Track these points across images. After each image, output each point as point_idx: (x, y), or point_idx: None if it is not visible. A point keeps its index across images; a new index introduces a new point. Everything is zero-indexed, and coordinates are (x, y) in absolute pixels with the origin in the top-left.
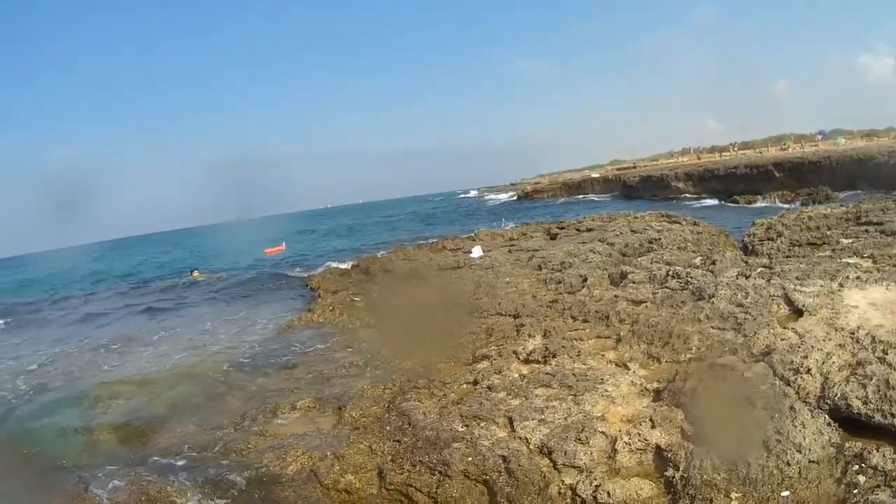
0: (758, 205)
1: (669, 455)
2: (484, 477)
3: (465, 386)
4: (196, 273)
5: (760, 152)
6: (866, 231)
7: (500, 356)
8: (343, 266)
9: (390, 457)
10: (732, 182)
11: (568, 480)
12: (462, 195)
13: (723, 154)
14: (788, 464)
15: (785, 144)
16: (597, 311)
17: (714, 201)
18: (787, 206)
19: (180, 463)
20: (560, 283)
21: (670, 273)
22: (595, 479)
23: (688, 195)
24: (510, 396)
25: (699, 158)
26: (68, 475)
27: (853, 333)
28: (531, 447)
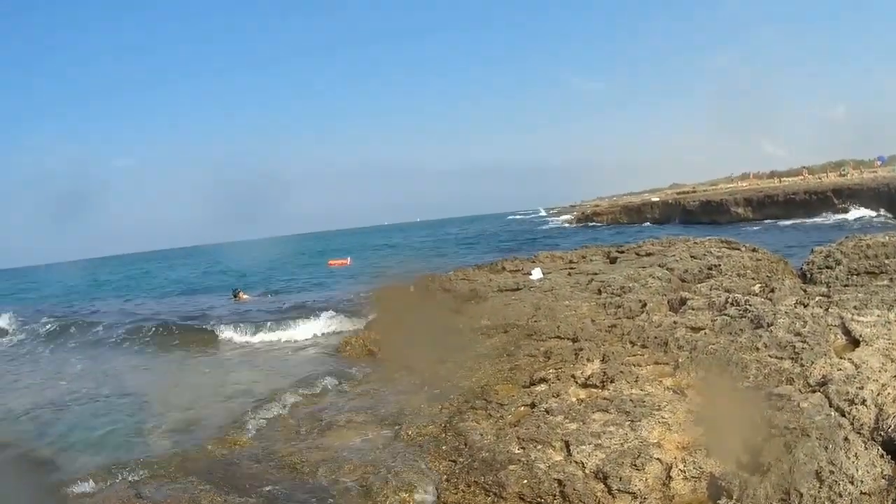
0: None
1: (723, 483)
2: (538, 500)
3: (522, 408)
4: (241, 294)
5: (820, 178)
6: None
7: (559, 380)
8: (401, 284)
9: (445, 476)
10: (792, 208)
11: None
12: (520, 216)
13: (782, 180)
14: (840, 495)
15: (844, 170)
16: (656, 337)
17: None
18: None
19: (233, 474)
20: (619, 307)
21: (729, 300)
22: None
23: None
24: (567, 420)
25: (759, 184)
26: (120, 480)
27: None
28: (587, 471)
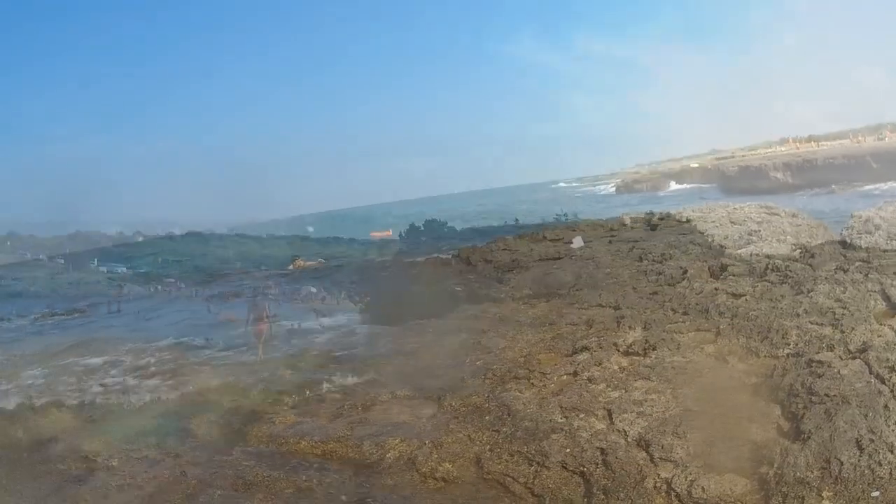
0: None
1: (764, 452)
2: (581, 468)
3: (564, 377)
4: (299, 261)
5: (858, 142)
6: None
7: (601, 348)
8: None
9: (489, 446)
10: (830, 172)
11: (664, 474)
12: (560, 185)
13: (820, 144)
14: (880, 464)
15: (882, 135)
16: (697, 304)
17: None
18: None
19: (277, 452)
20: (660, 274)
21: (770, 266)
22: (690, 474)
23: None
24: (609, 388)
25: (798, 148)
26: (162, 458)
27: None
28: (629, 440)
